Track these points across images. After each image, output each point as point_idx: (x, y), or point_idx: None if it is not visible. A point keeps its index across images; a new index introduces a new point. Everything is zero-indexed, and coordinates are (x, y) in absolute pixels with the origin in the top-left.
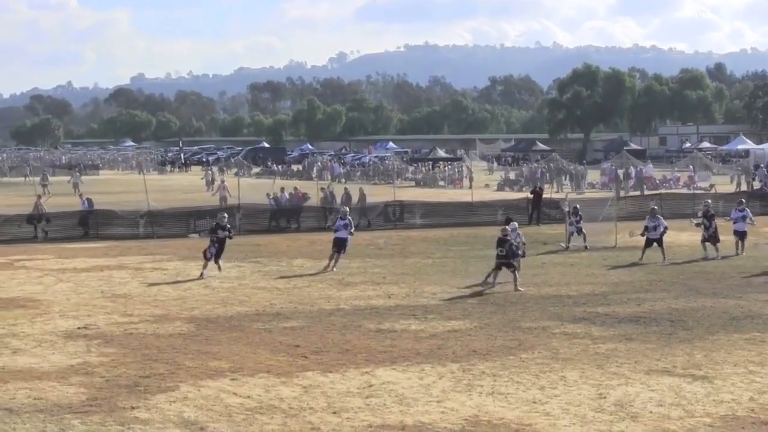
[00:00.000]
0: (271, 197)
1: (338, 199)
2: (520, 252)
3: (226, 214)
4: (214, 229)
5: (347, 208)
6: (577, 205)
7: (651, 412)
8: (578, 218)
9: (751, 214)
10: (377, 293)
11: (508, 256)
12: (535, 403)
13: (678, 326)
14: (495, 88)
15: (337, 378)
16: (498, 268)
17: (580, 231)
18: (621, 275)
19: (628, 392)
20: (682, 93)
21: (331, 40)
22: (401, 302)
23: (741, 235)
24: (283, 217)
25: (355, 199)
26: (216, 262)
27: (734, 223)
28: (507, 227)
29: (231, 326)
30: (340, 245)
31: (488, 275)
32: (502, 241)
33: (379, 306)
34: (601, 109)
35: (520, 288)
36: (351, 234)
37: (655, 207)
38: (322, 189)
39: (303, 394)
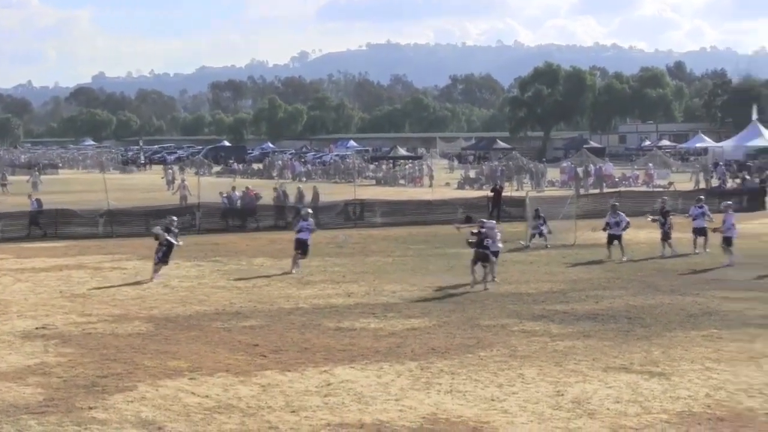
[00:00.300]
0: (224, 196)
1: (291, 198)
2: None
3: (175, 218)
4: (165, 232)
5: (310, 210)
6: (539, 208)
7: (608, 409)
8: (541, 221)
9: (709, 212)
10: (337, 292)
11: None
12: (493, 400)
13: (636, 323)
14: (456, 86)
15: (295, 377)
16: (475, 262)
17: (541, 234)
18: (580, 273)
19: (585, 389)
20: (642, 91)
21: (293, 39)
22: (361, 301)
23: (700, 232)
24: (235, 216)
25: (308, 197)
26: (162, 264)
27: (693, 220)
28: (485, 221)
29: (190, 325)
30: (302, 247)
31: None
32: (479, 233)
33: (339, 305)
34: (561, 107)
35: (488, 287)
36: (312, 231)
37: (616, 203)
38: (275, 188)
39: (261, 393)
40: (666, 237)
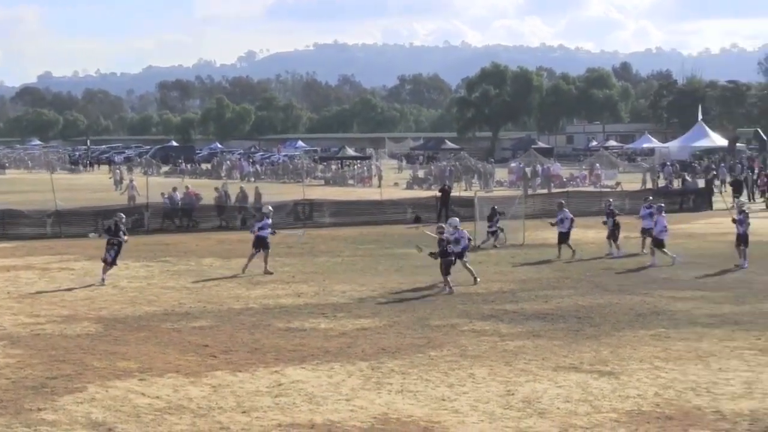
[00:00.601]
0: (165, 196)
1: (233, 199)
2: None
3: (123, 215)
4: (114, 230)
5: (270, 208)
6: (496, 206)
7: (558, 408)
8: (495, 220)
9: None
10: (286, 292)
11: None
12: (443, 400)
13: (585, 323)
14: (404, 86)
15: (246, 377)
16: (446, 272)
17: (494, 233)
18: (529, 273)
19: (535, 389)
20: (589, 92)
21: (241, 39)
22: (310, 301)
23: (648, 233)
24: (176, 216)
25: (251, 198)
26: (112, 265)
27: (642, 220)
28: (442, 225)
29: (139, 326)
30: (262, 244)
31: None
32: (441, 242)
33: (289, 305)
34: (509, 107)
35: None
36: (273, 233)
37: (562, 201)
38: (217, 188)
39: (212, 394)
40: (612, 236)
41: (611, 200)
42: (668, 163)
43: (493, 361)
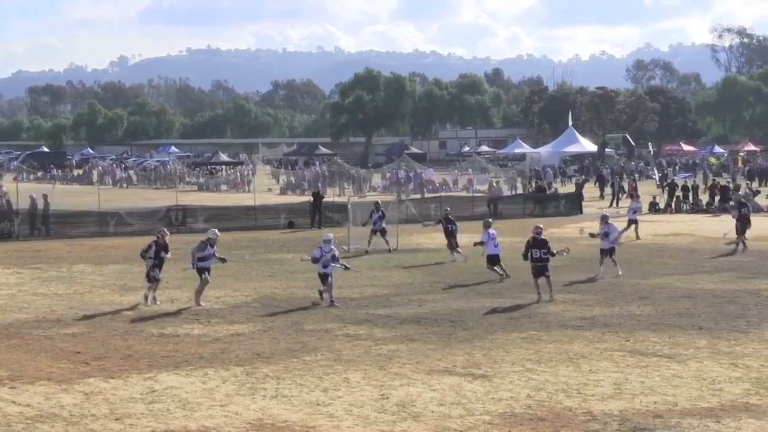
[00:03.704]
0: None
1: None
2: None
3: (167, 230)
4: (161, 248)
5: (217, 233)
6: (379, 201)
7: (432, 412)
8: (380, 215)
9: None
10: (160, 298)
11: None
12: (318, 405)
13: (458, 326)
14: (278, 92)
15: (119, 384)
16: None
17: (384, 232)
18: (402, 277)
19: (410, 392)
20: (461, 97)
21: (113, 43)
22: (184, 306)
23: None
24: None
25: (40, 204)
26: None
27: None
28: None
29: (9, 333)
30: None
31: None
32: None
33: (162, 311)
34: (382, 113)
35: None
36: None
37: (606, 214)
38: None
39: (84, 401)
40: (450, 244)
41: (448, 209)
42: (549, 168)
43: (368, 366)
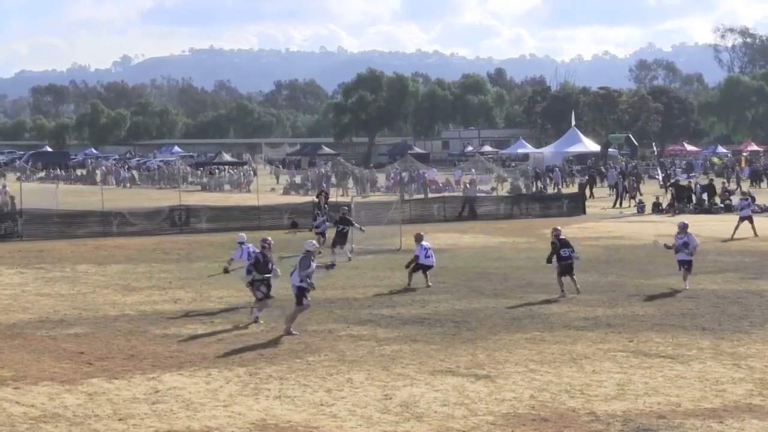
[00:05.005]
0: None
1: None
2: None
3: (271, 239)
4: (263, 263)
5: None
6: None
7: (435, 412)
8: (324, 218)
9: None
10: (163, 298)
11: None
12: (322, 405)
13: (461, 327)
14: (281, 92)
15: (122, 384)
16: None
17: (324, 235)
18: (406, 277)
19: (413, 393)
20: (464, 98)
21: (116, 43)
22: (187, 307)
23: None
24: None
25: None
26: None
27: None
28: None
29: (13, 334)
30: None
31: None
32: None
33: (166, 311)
34: (385, 113)
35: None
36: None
37: (686, 222)
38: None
39: (88, 402)
40: (334, 243)
41: (346, 208)
42: (557, 168)
43: (371, 366)
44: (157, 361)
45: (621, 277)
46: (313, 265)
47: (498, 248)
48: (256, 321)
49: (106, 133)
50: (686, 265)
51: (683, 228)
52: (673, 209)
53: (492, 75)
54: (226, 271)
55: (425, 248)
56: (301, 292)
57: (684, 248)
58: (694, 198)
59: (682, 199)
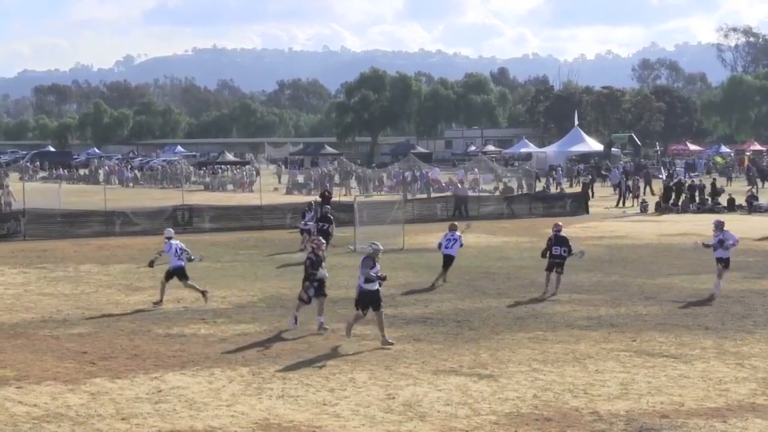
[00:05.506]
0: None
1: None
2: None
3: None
4: (314, 264)
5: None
6: (312, 202)
7: (438, 412)
8: (312, 216)
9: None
10: (166, 298)
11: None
12: (324, 405)
13: (464, 326)
14: (283, 91)
15: (125, 384)
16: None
17: (309, 233)
18: (408, 277)
19: (416, 392)
20: (467, 97)
21: (119, 43)
22: (190, 306)
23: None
24: None
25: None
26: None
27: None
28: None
29: (16, 333)
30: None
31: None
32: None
33: (168, 310)
34: (388, 112)
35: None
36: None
37: (722, 220)
38: None
39: (91, 401)
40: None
41: (329, 207)
42: (560, 167)
43: (374, 365)
44: (160, 360)
45: (624, 277)
46: (377, 266)
47: (501, 248)
48: (321, 327)
49: (109, 132)
50: (723, 263)
51: (719, 226)
52: (676, 208)
53: (495, 74)
54: (151, 264)
55: (448, 238)
56: (376, 297)
57: (720, 246)
58: (697, 197)
59: (668, 199)
